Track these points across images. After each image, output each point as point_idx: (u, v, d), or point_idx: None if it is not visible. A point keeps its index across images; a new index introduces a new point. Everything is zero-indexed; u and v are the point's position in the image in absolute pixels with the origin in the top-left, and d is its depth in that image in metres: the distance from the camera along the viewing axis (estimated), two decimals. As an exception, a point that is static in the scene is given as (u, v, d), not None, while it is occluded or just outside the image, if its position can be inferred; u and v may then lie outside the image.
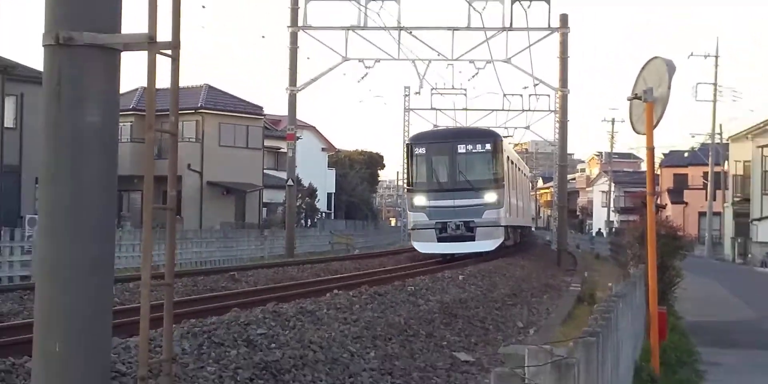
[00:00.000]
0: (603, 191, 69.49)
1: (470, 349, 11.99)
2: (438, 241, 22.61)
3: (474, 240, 22.32)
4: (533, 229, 48.37)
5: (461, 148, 22.95)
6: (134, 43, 4.46)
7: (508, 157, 25.70)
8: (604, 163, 71.67)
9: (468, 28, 25.01)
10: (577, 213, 70.41)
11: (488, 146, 23.23)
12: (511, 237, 27.27)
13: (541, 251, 35.26)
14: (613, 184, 65.20)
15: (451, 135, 25.25)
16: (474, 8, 24.31)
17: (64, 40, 4.26)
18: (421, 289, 15.66)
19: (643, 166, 57.77)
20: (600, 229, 63.46)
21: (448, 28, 25.48)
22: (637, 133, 10.27)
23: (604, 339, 4.93)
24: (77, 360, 4.25)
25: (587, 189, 79.78)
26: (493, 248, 22.87)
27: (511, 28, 25.13)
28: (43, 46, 4.36)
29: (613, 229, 51.74)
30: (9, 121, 27.71)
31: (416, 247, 23.92)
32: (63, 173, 4.33)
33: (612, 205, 64.09)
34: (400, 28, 25.19)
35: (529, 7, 24.76)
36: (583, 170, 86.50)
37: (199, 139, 38.99)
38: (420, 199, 23.15)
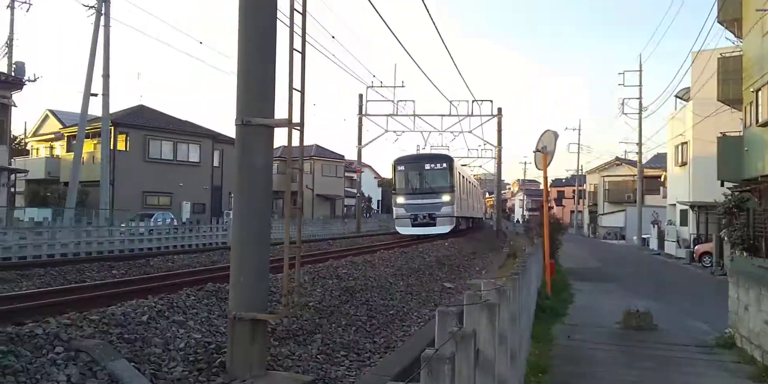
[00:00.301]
0: (520, 199, 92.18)
1: (452, 281, 13.88)
2: (412, 226, 26.64)
3: (435, 226, 26.25)
4: (484, 219, 53.83)
5: (427, 166, 27.64)
6: (280, 123, 5.76)
7: (459, 173, 30.39)
8: (521, 184, 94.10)
9: (449, 115, 33.74)
10: (506, 211, 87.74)
11: (444, 165, 27.75)
12: (462, 223, 31.86)
13: (488, 231, 40.53)
14: (525, 196, 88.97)
15: (420, 158, 30.19)
16: (453, 105, 32.92)
17: (245, 122, 5.56)
18: (426, 249, 19.07)
19: (541, 186, 75.99)
20: (518, 219, 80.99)
21: (440, 115, 34.39)
22: (538, 169, 13.86)
23: (522, 276, 5.96)
24: (252, 285, 5.45)
25: (511, 198, 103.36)
26: (447, 231, 26.44)
27: (472, 115, 34.05)
28: (236, 125, 5.64)
29: (526, 219, 66.81)
30: (216, 163, 39.43)
31: (398, 230, 27.70)
32: (245, 190, 5.61)
33: (525, 206, 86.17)
34: (414, 115, 34.50)
35: (481, 103, 33.83)
36: (509, 188, 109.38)
37: (312, 172, 51.88)
38: (401, 199, 27.34)
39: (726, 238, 17.63)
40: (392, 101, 33.86)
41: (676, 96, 32.24)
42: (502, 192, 57.21)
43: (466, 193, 33.07)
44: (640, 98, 39.85)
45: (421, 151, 44.96)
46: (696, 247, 25.30)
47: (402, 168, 28.09)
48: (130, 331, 5.56)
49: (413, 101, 38.92)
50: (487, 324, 3.62)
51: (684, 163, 29.26)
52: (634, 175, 45.15)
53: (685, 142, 28.85)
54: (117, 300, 7.56)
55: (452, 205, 26.87)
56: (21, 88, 25.74)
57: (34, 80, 27.15)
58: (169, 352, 5.36)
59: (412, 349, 6.70)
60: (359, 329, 7.92)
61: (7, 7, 29.19)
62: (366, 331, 7.92)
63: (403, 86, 33.73)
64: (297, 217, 6.09)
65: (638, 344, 8.74)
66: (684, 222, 29.72)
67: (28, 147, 43.18)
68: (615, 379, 6.67)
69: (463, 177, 32.57)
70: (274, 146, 6.37)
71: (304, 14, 6.06)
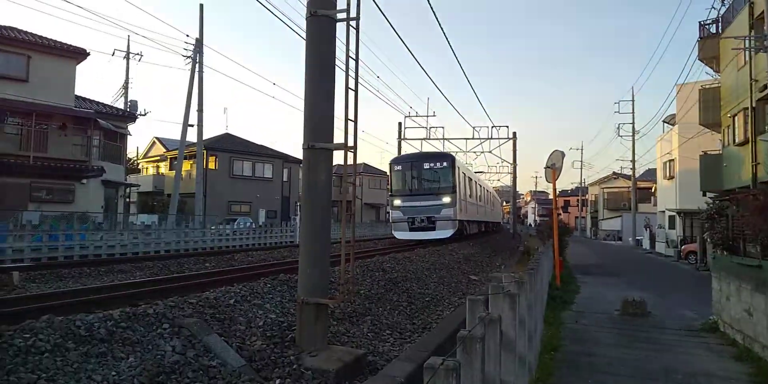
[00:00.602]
0: (532, 207, 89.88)
1: (476, 274, 13.54)
2: (409, 231, 20.40)
3: (434, 230, 19.95)
4: (502, 223, 49.77)
5: (426, 165, 21.10)
6: (338, 147, 5.77)
7: (464, 173, 23.16)
8: (533, 194, 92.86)
9: (473, 138, 32.59)
10: (521, 216, 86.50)
11: (445, 164, 21.07)
12: (470, 227, 24.45)
13: (505, 234, 38.60)
14: (536, 204, 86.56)
15: (418, 157, 22.55)
16: (475, 130, 32.15)
17: (310, 146, 5.61)
18: (454, 248, 17.81)
19: (550, 196, 75.43)
20: (530, 223, 78.26)
21: (464, 138, 33.06)
22: (548, 182, 13.49)
23: (537, 271, 5.92)
24: (316, 275, 5.48)
25: (525, 206, 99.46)
26: (448, 236, 19.97)
27: (491, 138, 32.64)
28: (303, 148, 5.70)
29: (537, 224, 63.51)
30: (285, 178, 39.96)
31: (395, 235, 21.25)
32: (310, 199, 5.67)
33: (536, 213, 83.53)
34: (444, 139, 32.95)
35: (499, 129, 32.70)
36: (523, 198, 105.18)
37: (361, 185, 51.01)
38: (397, 202, 21.08)
39: (708, 240, 16.93)
40: (425, 127, 33.59)
41: (664, 121, 31.55)
42: (517, 201, 56.37)
43: (473, 196, 25.97)
44: (633, 123, 39.11)
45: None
46: (683, 247, 24.45)
47: (399, 168, 21.84)
48: (220, 311, 5.65)
49: (443, 127, 40.17)
50: (509, 310, 3.58)
51: (671, 177, 28.52)
52: (628, 187, 44.52)
53: (672, 160, 28.16)
54: (209, 287, 7.71)
55: (454, 208, 20.38)
56: (134, 121, 26.71)
57: (144, 114, 28.12)
58: (251, 329, 5.43)
59: (445, 329, 6.61)
60: (401, 313, 7.88)
61: (124, 57, 30.44)
62: (407, 314, 7.87)
63: (434, 115, 34.52)
64: (351, 221, 6.17)
65: (635, 328, 8.44)
66: (672, 226, 28.73)
67: (139, 167, 44.62)
68: (616, 357, 6.45)
69: (470, 178, 25.53)
70: (333, 165, 6.44)
71: (356, 60, 6.14)
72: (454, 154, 23.74)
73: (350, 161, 5.83)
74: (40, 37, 22.23)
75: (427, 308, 8.59)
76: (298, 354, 4.93)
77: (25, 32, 22.24)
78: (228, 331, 5.15)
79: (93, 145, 22.52)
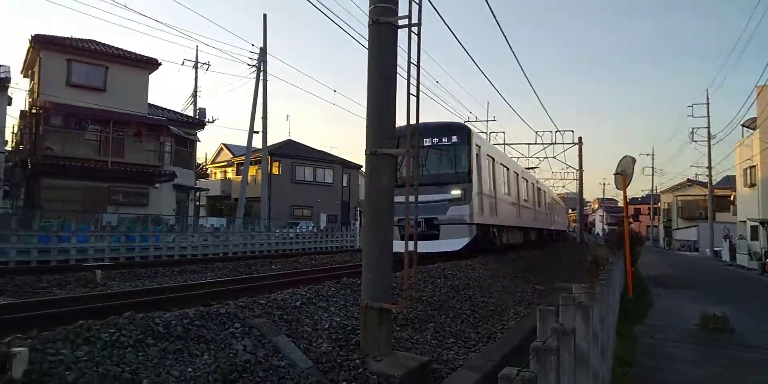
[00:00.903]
0: (600, 215, 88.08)
1: (541, 283, 13.13)
2: (401, 239, 10.60)
3: (438, 238, 13.49)
4: (567, 231, 45.97)
5: (426, 142, 14.27)
6: (401, 152, 5.83)
7: (488, 155, 16.00)
8: (600, 202, 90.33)
9: (535, 143, 31.71)
10: (588, 225, 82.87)
11: (454, 139, 14.26)
12: (498, 236, 16.41)
13: (571, 243, 37.12)
14: (604, 212, 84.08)
15: (414, 129, 11.35)
16: (538, 135, 31.12)
17: (372, 152, 5.68)
18: (517, 257, 16.84)
19: (619, 204, 78.78)
20: (598, 232, 78.04)
21: (526, 144, 32.29)
22: (618, 189, 12.84)
23: (608, 282, 5.69)
24: (379, 280, 5.49)
25: (592, 214, 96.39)
26: (458, 248, 13.42)
27: (555, 143, 31.59)
28: (365, 154, 5.77)
29: (606, 232, 63.43)
30: (345, 183, 40.84)
31: None
32: (373, 204, 5.70)
33: (604, 221, 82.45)
34: (505, 144, 32.07)
35: (563, 133, 31.46)
36: (590, 205, 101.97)
37: None
38: None
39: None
40: (485, 132, 33.21)
41: (743, 125, 29.63)
42: (584, 208, 54.91)
43: (510, 191, 18.55)
44: (708, 127, 36.97)
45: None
46: (767, 260, 22.81)
47: None
48: (287, 313, 5.80)
49: (503, 132, 39.64)
50: (582, 322, 3.47)
51: (753, 185, 26.71)
52: (704, 195, 41.88)
53: (753, 166, 26.38)
54: (276, 288, 7.93)
55: (469, 205, 13.63)
56: (203, 128, 28.07)
57: (212, 121, 29.48)
58: (317, 331, 5.53)
59: (510, 339, 6.49)
60: (464, 321, 7.78)
61: (193, 66, 32.13)
62: (470, 323, 7.77)
63: (494, 120, 34.02)
64: (412, 227, 6.16)
65: (717, 345, 7.93)
66: (755, 237, 26.82)
67: (208, 172, 46.68)
68: (696, 375, 6.08)
69: (503, 166, 17.97)
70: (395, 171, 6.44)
71: (418, 66, 6.17)
72: (472, 127, 15.73)
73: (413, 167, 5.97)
74: (117, 48, 23.80)
75: (491, 317, 8.44)
76: (363, 358, 4.98)
77: (103, 44, 23.89)
78: (295, 333, 5.27)
79: (165, 151, 23.79)
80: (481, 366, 4.90)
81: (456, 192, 13.66)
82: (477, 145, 14.76)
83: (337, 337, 5.49)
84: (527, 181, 22.48)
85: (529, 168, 30.76)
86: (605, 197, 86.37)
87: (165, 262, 13.91)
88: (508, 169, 18.50)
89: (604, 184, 77.30)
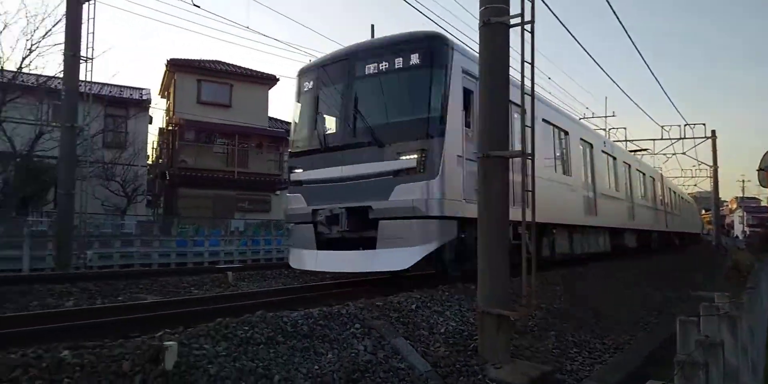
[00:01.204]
0: (740, 215, 77.31)
1: (673, 291, 12.15)
2: (316, 248, 7.99)
3: (375, 247, 7.23)
4: (701, 234, 41.40)
5: (364, 70, 7.75)
6: (515, 154, 5.74)
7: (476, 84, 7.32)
8: (739, 202, 79.01)
9: (661, 139, 29.43)
10: (725, 226, 74.71)
11: (414, 59, 7.30)
12: (549, 242, 10.97)
13: (705, 247, 33.83)
14: (744, 213, 74.02)
15: (353, 50, 8.14)
16: (664, 130, 28.84)
17: (486, 155, 5.57)
18: (641, 263, 15.44)
19: (764, 203, 71.83)
20: (737, 235, 68.64)
21: (651, 139, 30.05)
22: (762, 186, 11.48)
23: (756, 290, 5.28)
24: (497, 286, 5.40)
25: (730, 214, 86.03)
26: (407, 266, 7.24)
27: (684, 138, 29.16)
28: (477, 157, 5.75)
29: (747, 235, 55.99)
30: None
31: (290, 262, 9.12)
32: (488, 208, 5.59)
33: (745, 222, 72.19)
34: (626, 141, 29.81)
35: (693, 127, 28.82)
36: (727, 205, 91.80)
37: None
38: (297, 171, 8.55)
39: None
40: (604, 129, 31.30)
41: None
42: (720, 209, 49.23)
43: (577, 169, 12.41)
44: None
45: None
46: None
47: (309, 84, 8.69)
48: (404, 316, 5.89)
49: (624, 128, 36.93)
50: (729, 335, 3.18)
51: None
52: None
53: None
54: (390, 291, 8.05)
55: (430, 181, 7.03)
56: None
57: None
58: (434, 335, 5.56)
59: (639, 351, 6.07)
60: (588, 330, 7.39)
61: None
62: (595, 332, 7.35)
63: (614, 115, 31.77)
64: (530, 231, 5.95)
65: None
66: None
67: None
68: None
69: (563, 131, 11.77)
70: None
71: (532, 64, 6.03)
72: (455, 40, 8.24)
73: (529, 170, 5.74)
74: (240, 67, 25.87)
75: (617, 326, 7.93)
76: (482, 364, 4.93)
77: (228, 64, 26.08)
78: (412, 336, 5.34)
79: (284, 161, 25.37)
80: (608, 378, 4.62)
81: (409, 157, 7.26)
82: (465, 71, 7.81)
83: (455, 341, 5.48)
84: (616, 160, 15.95)
85: (634, 151, 26.17)
86: (745, 196, 77.12)
87: (287, 264, 14.71)
88: (567, 133, 11.91)
89: (743, 181, 68.97)
